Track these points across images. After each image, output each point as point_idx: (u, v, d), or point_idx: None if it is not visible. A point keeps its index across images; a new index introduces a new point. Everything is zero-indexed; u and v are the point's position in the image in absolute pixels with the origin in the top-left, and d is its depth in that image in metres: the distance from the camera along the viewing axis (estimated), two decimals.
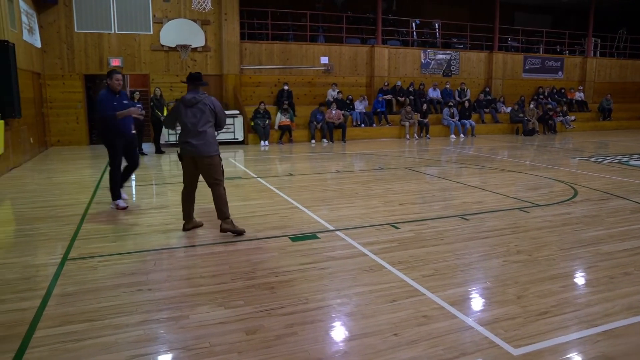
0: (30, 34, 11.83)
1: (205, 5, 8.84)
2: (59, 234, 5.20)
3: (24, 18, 11.28)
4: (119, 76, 6.16)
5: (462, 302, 3.46)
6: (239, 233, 5.04)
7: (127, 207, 6.33)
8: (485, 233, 5.17)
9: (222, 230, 5.01)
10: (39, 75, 12.97)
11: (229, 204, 5.13)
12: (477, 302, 3.49)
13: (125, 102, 6.22)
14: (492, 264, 4.23)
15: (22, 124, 10.47)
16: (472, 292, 3.67)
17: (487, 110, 17.94)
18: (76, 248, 4.71)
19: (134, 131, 6.44)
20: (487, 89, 18.66)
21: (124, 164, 6.43)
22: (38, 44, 12.82)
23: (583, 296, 3.59)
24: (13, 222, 5.92)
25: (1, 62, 8.84)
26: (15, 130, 9.97)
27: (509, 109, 18.10)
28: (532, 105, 17.65)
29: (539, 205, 6.40)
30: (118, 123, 6.09)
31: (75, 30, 13.66)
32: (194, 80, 5.05)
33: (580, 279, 3.97)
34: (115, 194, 6.35)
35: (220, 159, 5.09)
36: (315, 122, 14.65)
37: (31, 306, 3.40)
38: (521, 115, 17.42)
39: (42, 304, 3.44)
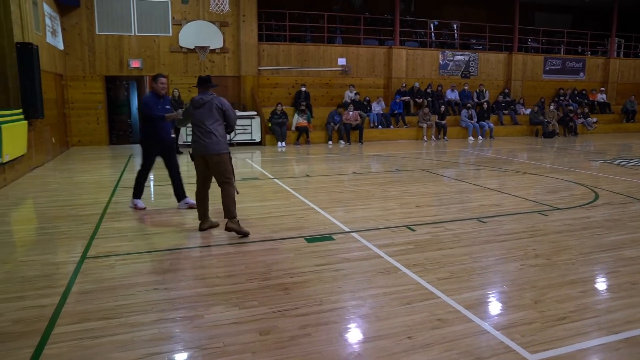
0: (53, 37, 12.06)
1: (223, 7, 8.91)
2: (79, 232, 5.28)
3: (47, 21, 11.51)
4: (164, 80, 6.20)
5: (478, 306, 3.42)
6: (244, 234, 5.04)
7: (145, 207, 6.39)
8: (502, 236, 5.11)
9: (227, 229, 5.03)
10: (61, 77, 13.22)
11: (246, 205, 5.17)
12: (493, 306, 3.45)
13: (167, 106, 6.25)
14: (509, 268, 4.18)
15: (44, 125, 10.68)
16: (489, 295, 3.62)
17: (506, 112, 17.73)
18: (95, 247, 4.78)
19: (173, 135, 6.45)
20: (506, 91, 18.44)
21: (150, 170, 6.46)
22: (61, 46, 13.07)
23: (604, 302, 3.52)
24: (35, 221, 6.03)
25: (25, 64, 9.02)
26: (38, 131, 10.17)
27: (528, 111, 17.85)
28: (552, 107, 17.39)
29: (558, 209, 6.30)
30: (159, 127, 6.10)
31: (97, 32, 13.89)
32: (203, 82, 5.22)
33: (600, 284, 3.89)
34: (137, 193, 6.39)
35: (230, 158, 5.18)
36: (332, 124, 14.65)
37: (50, 303, 3.46)
38: (541, 117, 17.18)
39: (61, 301, 3.50)
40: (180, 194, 6.43)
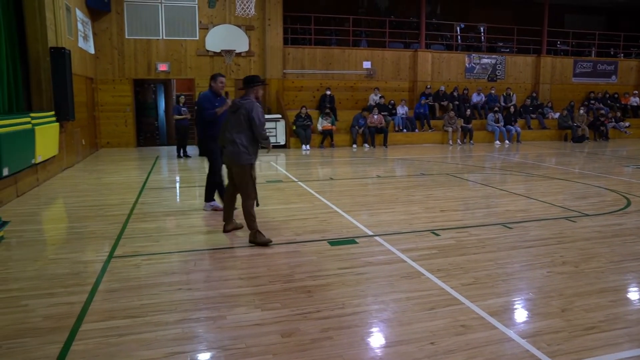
0: (85, 41, 12.38)
1: (249, 11, 9.00)
2: (106, 232, 5.40)
3: (79, 26, 11.82)
4: (223, 79, 6.19)
5: (503, 313, 3.36)
6: (264, 244, 4.85)
7: (221, 206, 6.21)
8: (529, 242, 5.01)
9: (249, 241, 4.94)
10: (92, 80, 13.54)
11: (270, 207, 5.19)
12: (518, 314, 3.38)
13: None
14: (536, 275, 4.09)
15: (75, 127, 10.95)
16: (514, 302, 3.55)
17: (534, 115, 17.40)
18: (121, 246, 4.87)
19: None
20: (534, 94, 18.11)
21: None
22: (92, 51, 13.39)
23: (635, 312, 3.41)
24: (65, 220, 6.19)
25: (58, 68, 9.27)
26: (69, 133, 10.43)
27: (557, 115, 17.49)
28: (582, 111, 17.00)
29: (587, 215, 6.15)
30: (216, 126, 6.01)
31: (126, 36, 14.19)
32: (246, 83, 4.99)
33: (632, 293, 3.78)
34: (209, 196, 6.43)
35: (252, 170, 4.90)
36: (357, 127, 14.62)
37: (79, 300, 3.54)
38: (570, 121, 16.81)
39: (89, 298, 3.58)
40: (208, 196, 6.47)
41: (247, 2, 8.84)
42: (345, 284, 3.85)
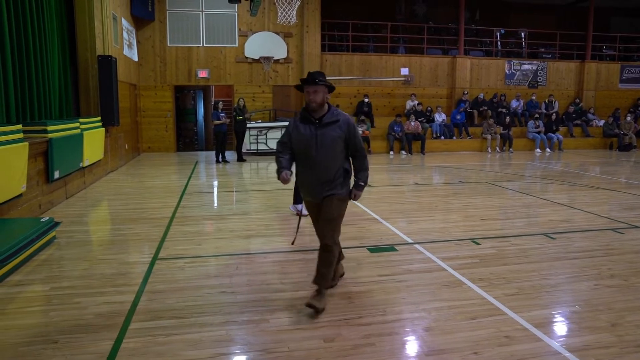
0: (129, 49, 12.81)
1: (290, 19, 9.13)
2: (150, 234, 5.56)
3: (125, 35, 12.25)
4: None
5: (548, 325, 3.29)
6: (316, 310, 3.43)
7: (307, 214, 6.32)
8: (573, 253, 4.88)
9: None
10: (135, 87, 13.99)
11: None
12: (564, 326, 3.31)
13: None
14: (582, 287, 3.98)
15: (119, 132, 11.33)
16: (559, 315, 3.47)
17: (577, 123, 16.91)
18: (165, 249, 5.01)
19: None
20: (577, 101, 17.60)
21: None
22: (135, 58, 13.84)
23: None
24: (111, 222, 6.41)
25: (105, 75, 9.63)
26: (114, 137, 10.80)
27: (602, 122, 16.95)
28: (629, 118, 16.42)
29: (636, 227, 5.94)
30: None
31: (168, 44, 14.61)
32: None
33: None
34: (297, 198, 6.55)
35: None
36: (392, 134, 14.57)
37: (126, 300, 3.67)
38: (616, 129, 16.26)
39: (136, 298, 3.70)
40: (296, 198, 6.57)
41: (288, 10, 8.97)
42: (385, 291, 3.85)
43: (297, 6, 8.97)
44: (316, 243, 5.18)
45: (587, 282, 4.10)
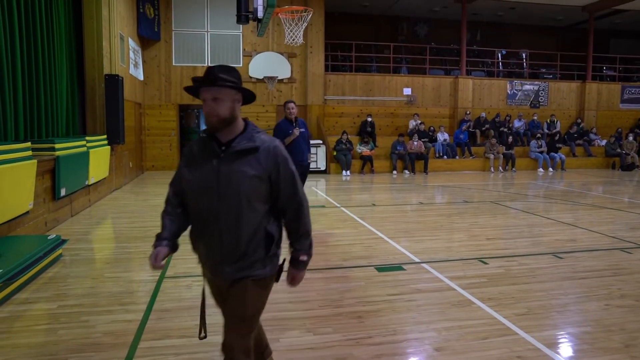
0: (135, 68, 12.95)
1: (298, 40, 9.26)
2: None
3: (131, 54, 12.39)
4: (291, 104, 6.32)
5: (560, 345, 3.27)
6: None
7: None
8: (581, 273, 4.86)
9: None
10: (140, 105, 14.10)
11: (315, 232, 5.19)
12: (577, 347, 3.28)
13: (302, 129, 6.34)
14: (592, 307, 3.96)
15: (124, 150, 11.38)
16: (571, 335, 3.45)
17: (579, 142, 16.97)
18: (172, 267, 5.00)
19: (309, 161, 6.51)
20: (579, 121, 17.68)
21: None
22: (141, 77, 13.98)
23: None
24: (117, 240, 6.40)
25: (111, 94, 9.72)
26: (118, 155, 10.85)
27: (603, 142, 17.01)
28: (630, 138, 16.49)
29: None
30: (291, 151, 6.07)
31: (173, 64, 14.77)
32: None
33: None
34: None
35: None
36: (395, 153, 14.62)
37: (134, 318, 3.65)
38: (618, 148, 16.31)
39: (144, 317, 3.68)
40: None
41: (296, 32, 9.10)
42: (395, 311, 3.83)
43: (304, 27, 9.10)
44: (324, 262, 5.20)
45: (597, 302, 4.08)
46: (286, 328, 3.49)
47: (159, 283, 4.49)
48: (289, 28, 9.07)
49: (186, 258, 5.29)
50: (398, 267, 4.99)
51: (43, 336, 3.37)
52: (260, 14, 7.45)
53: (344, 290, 4.29)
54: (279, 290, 4.29)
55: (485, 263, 5.17)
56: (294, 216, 2.22)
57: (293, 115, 6.32)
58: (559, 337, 3.41)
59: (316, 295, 4.16)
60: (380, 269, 4.94)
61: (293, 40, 9.19)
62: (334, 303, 3.97)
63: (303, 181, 6.47)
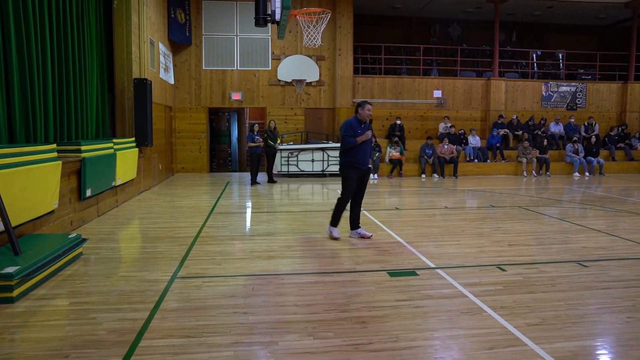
0: (165, 72, 13.24)
1: (316, 42, 9.26)
2: (173, 253, 5.62)
3: (161, 59, 12.68)
4: (370, 106, 6.12)
5: (572, 359, 3.11)
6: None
7: (340, 238, 6.30)
8: (606, 283, 4.63)
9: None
10: (170, 109, 14.40)
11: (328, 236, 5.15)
12: None
13: (368, 132, 6.19)
14: (612, 319, 3.76)
15: (153, 152, 11.64)
16: (585, 348, 3.28)
17: (620, 146, 16.28)
18: (185, 267, 5.05)
19: (370, 165, 6.42)
20: (623, 124, 16.94)
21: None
22: (172, 81, 14.29)
23: None
24: (138, 240, 6.54)
25: (140, 98, 9.96)
26: (147, 158, 11.10)
27: None
28: None
29: None
30: (355, 153, 6.11)
31: (203, 67, 15.03)
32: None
33: None
34: (335, 221, 6.40)
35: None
36: (424, 157, 14.39)
37: (140, 317, 3.70)
38: None
39: (150, 316, 3.72)
40: (355, 223, 6.46)
41: (314, 34, 9.10)
42: (401, 317, 3.74)
43: (322, 29, 9.08)
44: (336, 265, 5.15)
45: (619, 314, 3.87)
46: (287, 331, 3.46)
47: (170, 283, 4.54)
48: (307, 30, 9.08)
49: (201, 259, 5.37)
50: (411, 272, 4.88)
51: (51, 331, 3.46)
52: (277, 17, 7.46)
53: (352, 294, 4.23)
54: (287, 293, 4.28)
55: (504, 270, 5.00)
56: None
57: (369, 118, 6.18)
58: (571, 350, 3.24)
59: (323, 298, 4.11)
60: (393, 273, 4.84)
61: (311, 42, 9.19)
62: (340, 307, 3.91)
63: (364, 186, 6.34)
